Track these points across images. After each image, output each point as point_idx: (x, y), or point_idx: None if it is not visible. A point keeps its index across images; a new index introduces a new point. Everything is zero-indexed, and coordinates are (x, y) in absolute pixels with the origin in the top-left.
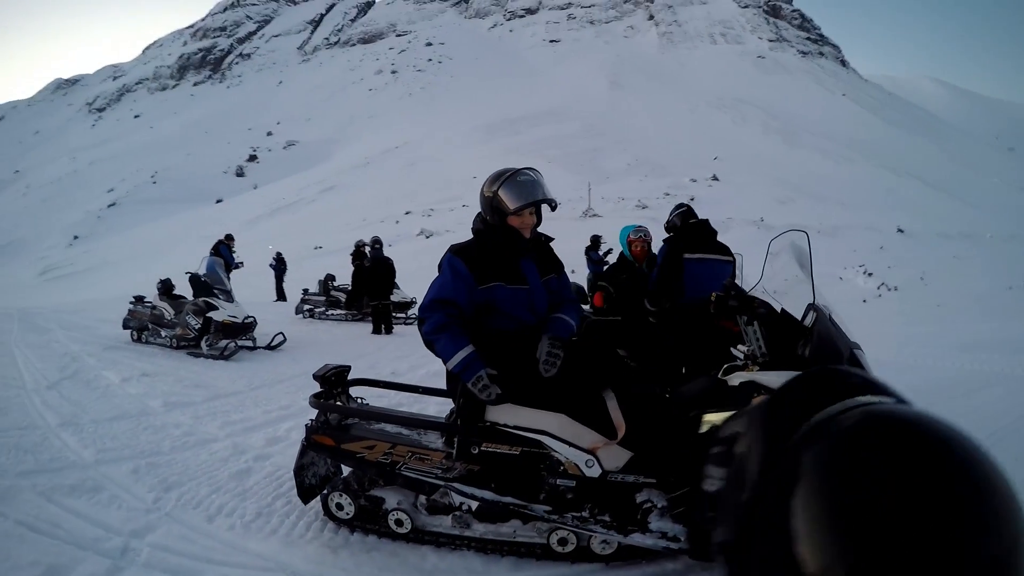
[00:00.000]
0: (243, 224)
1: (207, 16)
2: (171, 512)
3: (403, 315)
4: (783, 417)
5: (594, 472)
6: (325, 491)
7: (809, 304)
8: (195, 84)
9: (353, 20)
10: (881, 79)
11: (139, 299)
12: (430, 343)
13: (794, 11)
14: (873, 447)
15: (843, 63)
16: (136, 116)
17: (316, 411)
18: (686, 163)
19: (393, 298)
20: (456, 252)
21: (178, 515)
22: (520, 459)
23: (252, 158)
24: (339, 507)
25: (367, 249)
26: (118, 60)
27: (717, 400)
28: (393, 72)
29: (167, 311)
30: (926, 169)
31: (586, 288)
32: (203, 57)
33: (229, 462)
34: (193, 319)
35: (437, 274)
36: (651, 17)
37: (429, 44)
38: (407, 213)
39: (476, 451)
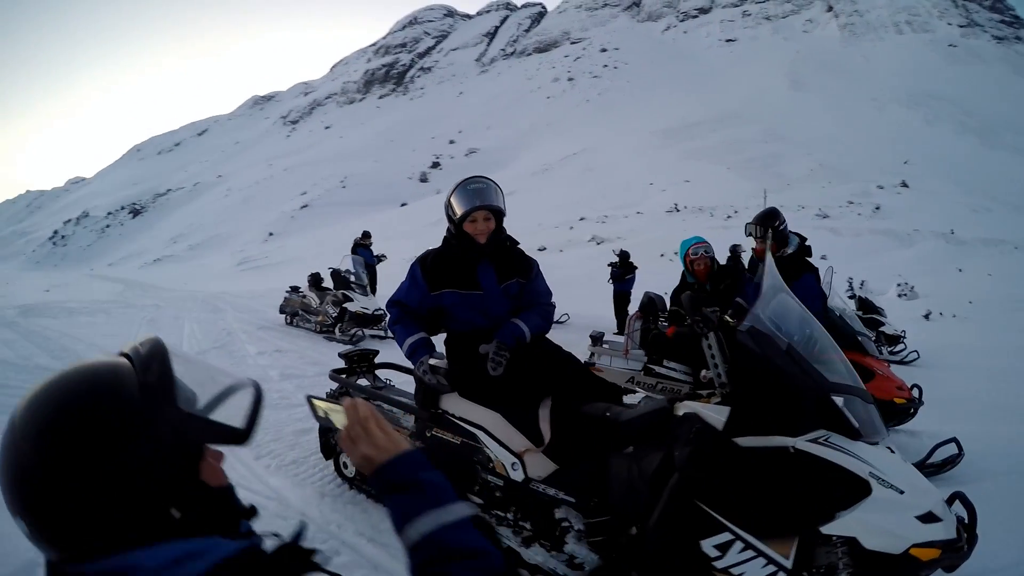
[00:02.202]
0: (425, 226)
1: (388, 34)
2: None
3: None
4: None
5: (518, 476)
6: (339, 450)
7: (746, 325)
8: (380, 97)
9: (527, 30)
10: None
11: (294, 289)
12: (393, 333)
13: None
14: None
15: None
16: (327, 127)
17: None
18: (873, 167)
19: None
20: (418, 259)
21: (236, 450)
22: (460, 448)
23: (435, 165)
24: (344, 466)
25: None
26: (308, 78)
27: (656, 429)
28: (570, 79)
29: (314, 300)
30: None
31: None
32: (386, 72)
33: (301, 421)
34: (331, 308)
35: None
36: (830, 8)
37: (604, 50)
38: (581, 219)
39: (428, 434)
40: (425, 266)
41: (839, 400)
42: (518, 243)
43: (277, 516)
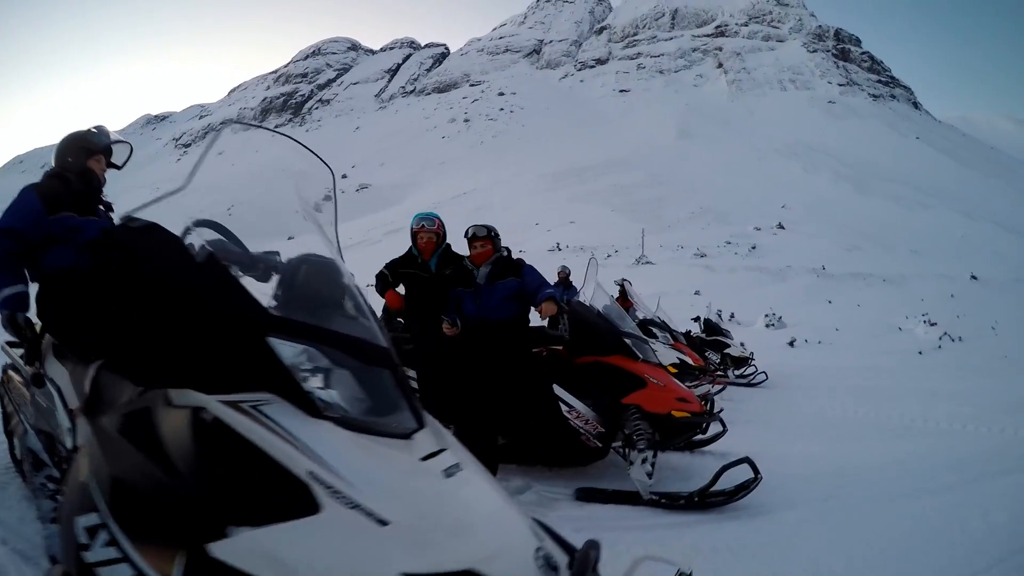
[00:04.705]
0: None
1: (290, 63)
2: None
3: None
4: None
5: (69, 442)
6: (11, 431)
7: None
8: (276, 126)
9: (429, 70)
10: (956, 120)
11: None
12: None
13: (864, 53)
14: None
15: (916, 105)
16: (220, 153)
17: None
18: (752, 212)
19: None
20: (32, 186)
21: None
22: (46, 412)
23: (326, 198)
24: (13, 447)
25: None
26: (205, 100)
27: None
28: (466, 120)
29: None
30: (1004, 213)
31: None
32: (285, 101)
33: None
34: None
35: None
36: (720, 65)
37: (501, 94)
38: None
39: (34, 399)
40: (44, 191)
41: (288, 348)
42: (111, 204)
43: None
